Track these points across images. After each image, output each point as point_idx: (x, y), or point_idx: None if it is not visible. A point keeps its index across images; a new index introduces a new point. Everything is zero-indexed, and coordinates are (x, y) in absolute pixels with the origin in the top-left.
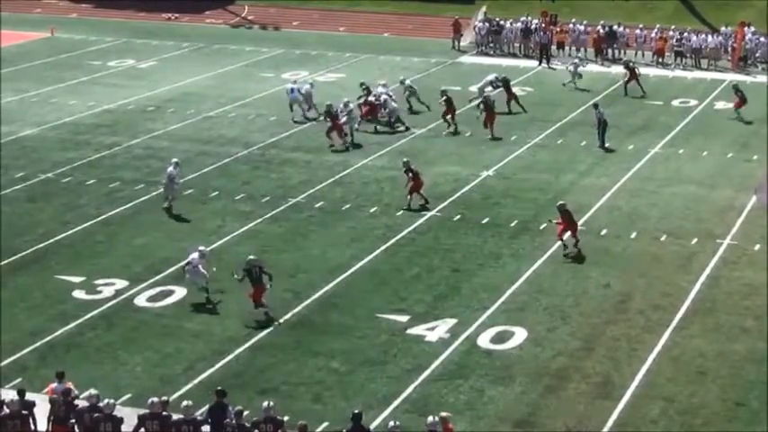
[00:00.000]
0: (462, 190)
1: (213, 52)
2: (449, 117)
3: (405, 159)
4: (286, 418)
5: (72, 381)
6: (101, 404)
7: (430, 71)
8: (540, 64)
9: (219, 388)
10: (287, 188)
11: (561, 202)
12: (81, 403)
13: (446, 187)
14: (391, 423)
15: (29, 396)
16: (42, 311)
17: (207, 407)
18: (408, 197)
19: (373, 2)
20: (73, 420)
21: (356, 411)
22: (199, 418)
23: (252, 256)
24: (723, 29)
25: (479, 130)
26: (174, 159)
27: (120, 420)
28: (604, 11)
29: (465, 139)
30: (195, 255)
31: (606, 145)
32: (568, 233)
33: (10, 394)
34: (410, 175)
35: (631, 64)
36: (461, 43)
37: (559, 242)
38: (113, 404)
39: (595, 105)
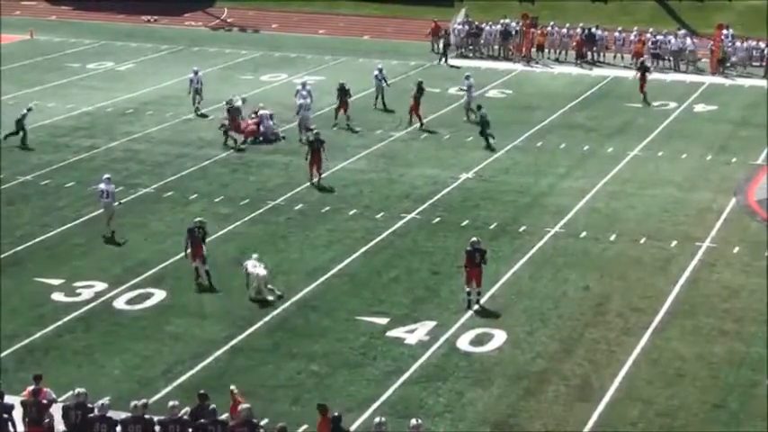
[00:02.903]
0: (441, 192)
1: (192, 54)
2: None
3: (315, 131)
4: (264, 421)
5: (51, 384)
6: (96, 405)
7: (409, 74)
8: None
9: (202, 391)
10: (266, 191)
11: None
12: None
13: (425, 190)
14: (377, 420)
15: (7, 399)
16: (21, 314)
17: (188, 409)
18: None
19: (352, 4)
20: (47, 420)
21: (336, 414)
22: (185, 417)
23: (199, 218)
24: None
25: (457, 132)
26: (107, 175)
27: (116, 423)
28: (583, 13)
29: (443, 141)
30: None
31: (491, 142)
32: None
33: None
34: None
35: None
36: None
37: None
38: (108, 405)
39: (479, 107)
